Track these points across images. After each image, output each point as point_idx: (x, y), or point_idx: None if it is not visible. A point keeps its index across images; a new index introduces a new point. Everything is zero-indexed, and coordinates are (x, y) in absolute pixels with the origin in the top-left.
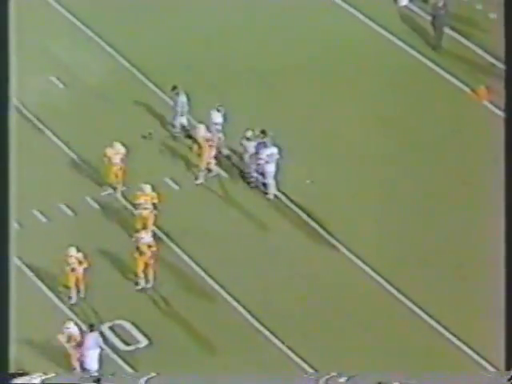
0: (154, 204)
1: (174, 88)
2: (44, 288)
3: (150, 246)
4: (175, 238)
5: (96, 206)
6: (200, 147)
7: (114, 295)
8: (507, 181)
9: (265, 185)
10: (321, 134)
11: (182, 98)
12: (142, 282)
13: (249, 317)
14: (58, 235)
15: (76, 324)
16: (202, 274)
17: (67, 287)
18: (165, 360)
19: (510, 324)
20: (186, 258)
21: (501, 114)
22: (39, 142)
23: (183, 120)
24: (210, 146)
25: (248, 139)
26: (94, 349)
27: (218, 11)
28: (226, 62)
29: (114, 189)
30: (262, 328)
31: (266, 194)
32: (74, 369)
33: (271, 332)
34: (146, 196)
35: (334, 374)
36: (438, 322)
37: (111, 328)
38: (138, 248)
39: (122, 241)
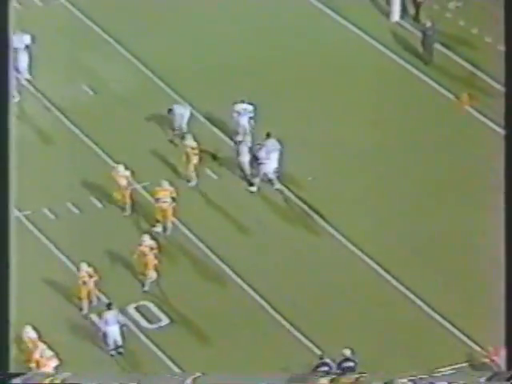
0: (172, 198)
1: (170, 110)
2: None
3: (151, 249)
4: (192, 229)
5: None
6: (187, 155)
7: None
8: (507, 175)
9: (269, 179)
10: (322, 134)
11: (179, 110)
12: (148, 283)
13: (257, 298)
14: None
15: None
16: (217, 260)
17: (80, 299)
18: (184, 337)
19: (510, 323)
20: (202, 245)
21: (495, 126)
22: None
23: (176, 128)
24: (195, 154)
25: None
26: (113, 325)
27: (244, 27)
28: (241, 70)
29: (122, 209)
30: (269, 308)
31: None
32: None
33: (277, 311)
34: (165, 191)
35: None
36: (443, 317)
37: (136, 308)
38: (140, 250)
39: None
